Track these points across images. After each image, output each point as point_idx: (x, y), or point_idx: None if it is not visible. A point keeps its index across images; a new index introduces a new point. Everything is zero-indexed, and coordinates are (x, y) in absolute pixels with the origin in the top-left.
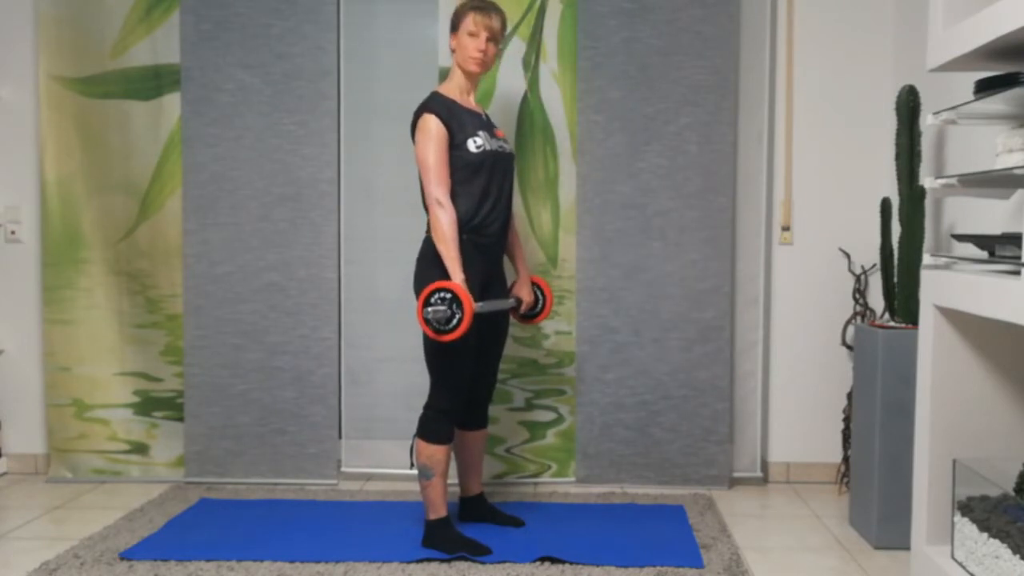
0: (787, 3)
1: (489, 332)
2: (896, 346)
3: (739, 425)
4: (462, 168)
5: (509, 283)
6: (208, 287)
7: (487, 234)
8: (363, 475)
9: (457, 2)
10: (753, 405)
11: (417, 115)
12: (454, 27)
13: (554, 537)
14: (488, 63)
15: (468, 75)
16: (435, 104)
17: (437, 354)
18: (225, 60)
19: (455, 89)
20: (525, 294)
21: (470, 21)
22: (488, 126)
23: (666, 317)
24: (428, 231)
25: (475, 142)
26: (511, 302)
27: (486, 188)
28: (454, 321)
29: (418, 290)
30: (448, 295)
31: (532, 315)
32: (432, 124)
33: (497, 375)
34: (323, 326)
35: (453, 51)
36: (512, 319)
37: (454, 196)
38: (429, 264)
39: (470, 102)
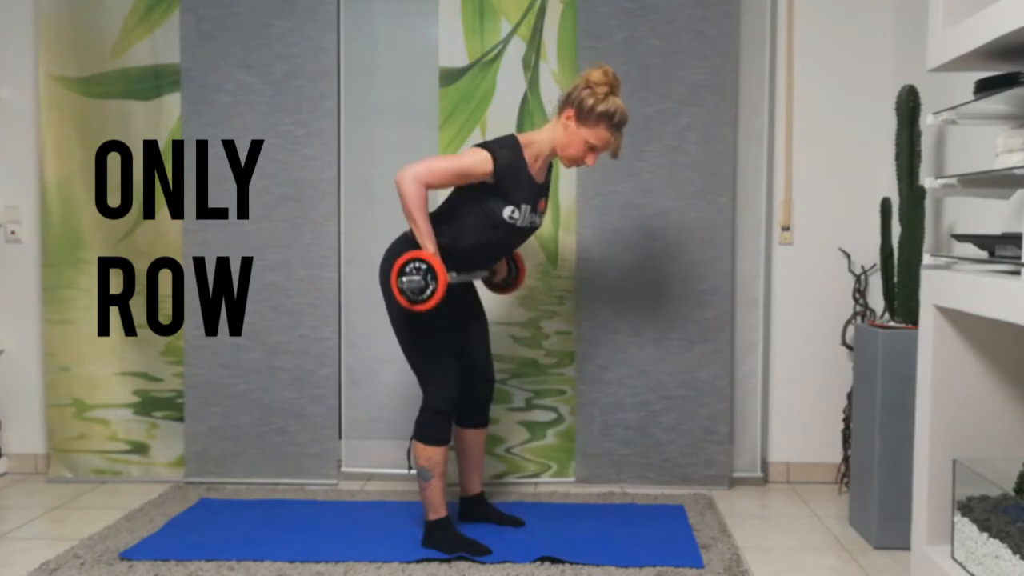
0: (787, 3)
1: (463, 313)
2: (896, 346)
3: (739, 425)
4: (484, 219)
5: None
6: None
7: (461, 267)
8: (363, 475)
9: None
10: (753, 405)
11: (482, 144)
12: (580, 112)
13: (554, 537)
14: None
15: (556, 156)
16: (503, 155)
17: (418, 353)
18: (225, 60)
19: (534, 152)
20: (499, 267)
21: (604, 133)
22: (538, 196)
23: (666, 317)
24: (400, 236)
25: (512, 214)
26: (483, 272)
27: (489, 245)
28: (428, 291)
29: (386, 267)
30: (423, 265)
31: (506, 285)
32: (482, 164)
33: (493, 366)
34: (323, 326)
35: (563, 126)
36: (487, 289)
37: (461, 226)
38: (397, 251)
39: (540, 171)
